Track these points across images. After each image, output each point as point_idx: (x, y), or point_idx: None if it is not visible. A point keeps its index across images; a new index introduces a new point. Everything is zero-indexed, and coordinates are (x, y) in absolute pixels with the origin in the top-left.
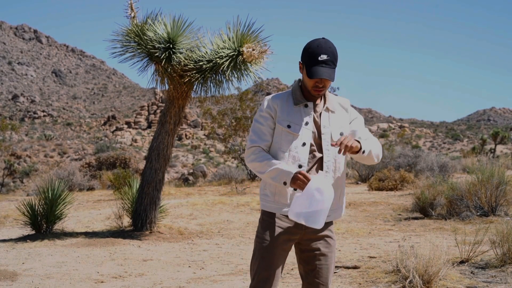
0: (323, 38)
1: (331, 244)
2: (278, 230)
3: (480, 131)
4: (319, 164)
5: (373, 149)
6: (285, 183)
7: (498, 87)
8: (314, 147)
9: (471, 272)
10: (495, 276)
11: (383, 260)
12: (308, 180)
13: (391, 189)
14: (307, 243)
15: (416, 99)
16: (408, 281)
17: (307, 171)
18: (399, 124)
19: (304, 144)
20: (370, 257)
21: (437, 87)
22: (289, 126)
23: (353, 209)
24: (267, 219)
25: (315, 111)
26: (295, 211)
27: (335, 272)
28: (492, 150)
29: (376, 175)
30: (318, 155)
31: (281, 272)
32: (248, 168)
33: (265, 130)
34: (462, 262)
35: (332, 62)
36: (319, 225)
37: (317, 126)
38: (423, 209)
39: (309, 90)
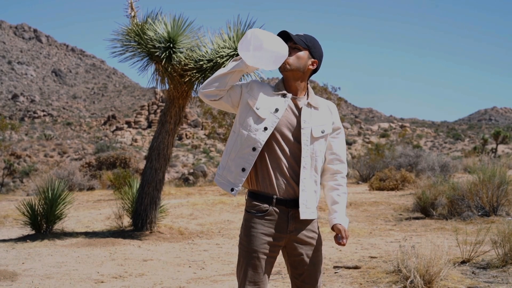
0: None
1: (316, 245)
2: (261, 237)
3: (482, 131)
4: (294, 159)
5: (345, 205)
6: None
7: (499, 87)
8: (276, 138)
9: (473, 272)
10: (497, 276)
11: (384, 260)
12: None
13: (392, 189)
14: (293, 247)
15: (417, 98)
16: (409, 281)
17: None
18: (400, 123)
19: (265, 128)
20: (371, 257)
21: (438, 86)
22: (257, 108)
23: (354, 209)
24: (249, 224)
25: (296, 104)
26: (242, 45)
27: (335, 273)
28: (494, 150)
29: (377, 175)
30: (286, 147)
31: (269, 276)
32: None
33: (235, 87)
34: (463, 262)
35: (302, 39)
36: (267, 65)
37: (297, 119)
38: (424, 209)
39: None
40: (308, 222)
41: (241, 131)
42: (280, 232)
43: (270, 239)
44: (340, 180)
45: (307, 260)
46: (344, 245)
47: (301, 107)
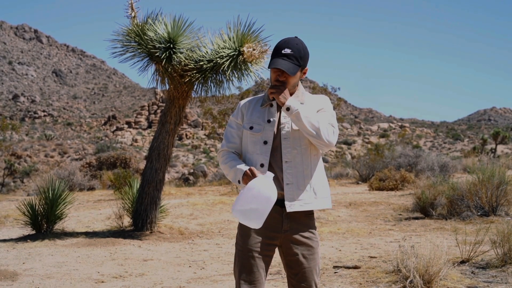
0: (295, 36)
1: (313, 246)
2: (255, 236)
3: (481, 131)
4: (278, 157)
5: (308, 116)
6: (239, 182)
7: (498, 87)
8: (278, 144)
9: (472, 272)
10: (496, 276)
11: (383, 260)
12: (254, 176)
13: (391, 189)
14: (289, 246)
15: (417, 99)
16: (408, 281)
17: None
18: (399, 124)
19: (265, 142)
20: (371, 257)
21: (438, 87)
22: (251, 128)
23: (353, 209)
24: (244, 225)
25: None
26: (235, 207)
27: (335, 272)
28: (493, 150)
29: (377, 175)
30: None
31: (266, 276)
32: None
33: (234, 133)
34: (462, 262)
35: (295, 58)
36: (254, 226)
37: (279, 117)
38: (424, 209)
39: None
40: (304, 221)
41: (248, 155)
42: (275, 231)
43: (265, 238)
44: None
45: (303, 260)
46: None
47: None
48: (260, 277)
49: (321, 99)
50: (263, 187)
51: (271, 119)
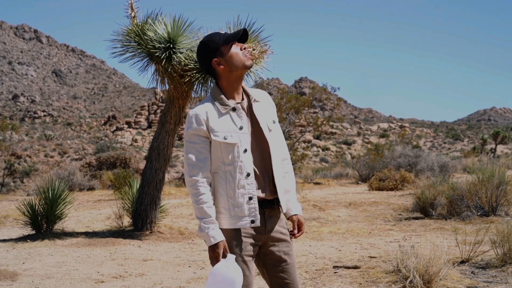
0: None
1: (289, 241)
2: (245, 240)
3: (481, 131)
4: (263, 160)
5: (295, 192)
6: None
7: (498, 87)
8: (255, 148)
9: (472, 272)
10: (496, 276)
11: (383, 260)
12: (217, 260)
13: (391, 189)
14: (270, 245)
15: (417, 99)
16: (408, 281)
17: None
18: (399, 124)
19: (245, 150)
20: (371, 257)
21: (437, 87)
22: (225, 138)
23: (353, 209)
24: (232, 231)
25: (243, 107)
26: None
27: (335, 272)
28: (493, 150)
29: (377, 175)
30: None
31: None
32: None
33: (202, 148)
34: (462, 262)
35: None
36: None
37: (253, 122)
38: (424, 209)
39: (243, 65)
40: (279, 218)
41: (226, 167)
42: (259, 234)
43: (253, 240)
44: (286, 167)
45: (286, 257)
46: (297, 236)
47: (251, 107)
48: (252, 279)
49: (271, 101)
50: (227, 272)
51: (242, 125)
